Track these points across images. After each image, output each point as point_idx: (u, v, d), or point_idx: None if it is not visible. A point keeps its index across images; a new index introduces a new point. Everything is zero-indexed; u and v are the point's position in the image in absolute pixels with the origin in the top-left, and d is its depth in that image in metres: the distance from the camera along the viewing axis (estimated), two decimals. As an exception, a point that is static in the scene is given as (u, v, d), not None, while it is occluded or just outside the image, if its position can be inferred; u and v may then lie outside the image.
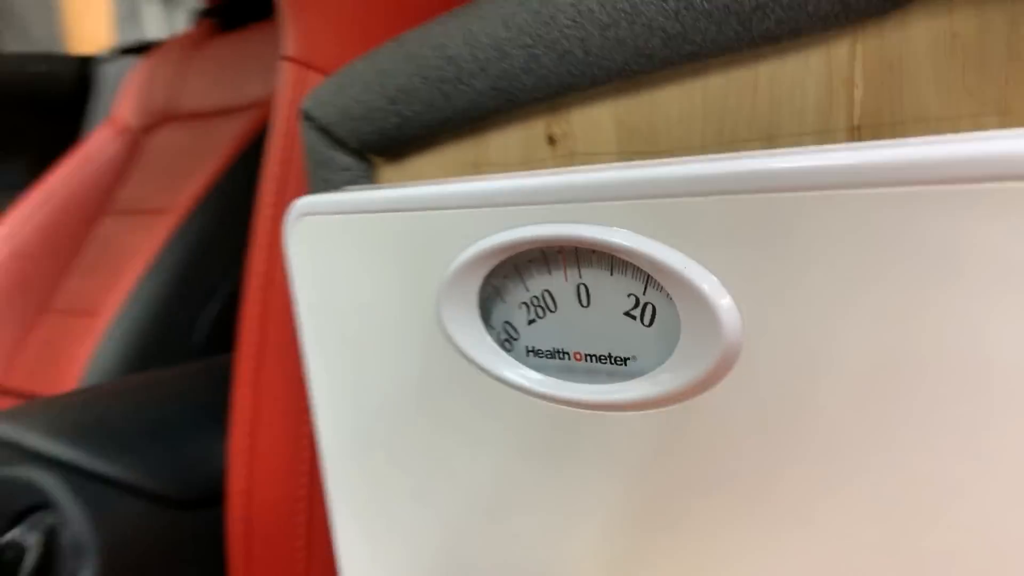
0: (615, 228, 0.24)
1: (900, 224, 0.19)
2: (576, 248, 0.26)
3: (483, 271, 0.28)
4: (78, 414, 0.53)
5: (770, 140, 0.26)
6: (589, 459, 0.27)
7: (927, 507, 0.20)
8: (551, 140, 0.32)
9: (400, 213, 0.30)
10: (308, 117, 0.38)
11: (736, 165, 0.21)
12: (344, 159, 0.38)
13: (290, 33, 0.44)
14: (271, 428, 0.45)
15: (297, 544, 0.45)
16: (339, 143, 0.37)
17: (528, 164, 0.32)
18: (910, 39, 0.23)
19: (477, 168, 0.34)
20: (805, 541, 0.23)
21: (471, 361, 0.29)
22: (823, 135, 0.25)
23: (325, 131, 0.38)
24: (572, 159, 0.31)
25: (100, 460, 0.49)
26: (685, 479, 0.25)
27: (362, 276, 0.31)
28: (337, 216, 0.32)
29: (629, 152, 0.30)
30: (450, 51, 0.32)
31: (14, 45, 2.41)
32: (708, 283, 0.23)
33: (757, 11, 0.25)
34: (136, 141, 1.10)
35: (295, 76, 0.44)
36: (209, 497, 0.51)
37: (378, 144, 0.36)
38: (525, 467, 0.29)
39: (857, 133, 0.25)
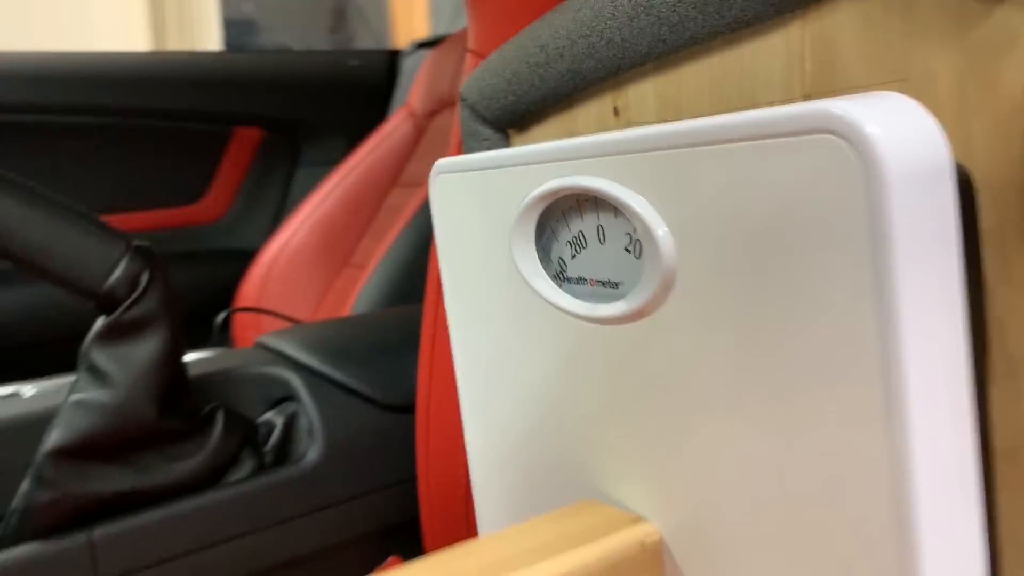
0: (597, 177, 0.31)
1: (746, 170, 0.25)
2: (596, 196, 0.33)
3: (534, 215, 0.36)
4: (323, 334, 0.68)
5: (753, 108, 0.31)
6: (600, 361, 0.34)
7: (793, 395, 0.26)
8: (616, 112, 0.39)
9: (488, 171, 0.38)
10: (462, 98, 0.48)
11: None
12: (485, 131, 0.47)
13: (472, 29, 0.54)
14: (444, 354, 0.56)
15: (461, 442, 0.56)
16: (481, 118, 0.47)
17: (602, 132, 0.40)
18: (839, 22, 0.28)
19: (572, 135, 0.42)
20: (732, 421, 0.29)
21: (529, 285, 0.37)
22: (787, 103, 0.30)
23: (471, 109, 0.47)
24: (630, 126, 0.38)
25: (333, 368, 0.64)
26: (653, 378, 0.31)
27: (469, 222, 0.41)
28: (457, 174, 0.41)
29: (665, 119, 0.36)
30: (541, 40, 0.40)
31: (363, 35, 2.80)
32: (653, 220, 0.29)
33: (725, 1, 0.30)
34: (422, 124, 1.28)
35: (474, 66, 0.54)
36: (409, 405, 0.63)
37: (505, 118, 0.45)
38: (565, 371, 0.36)
39: (808, 100, 0.29)
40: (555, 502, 0.40)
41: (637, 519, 0.34)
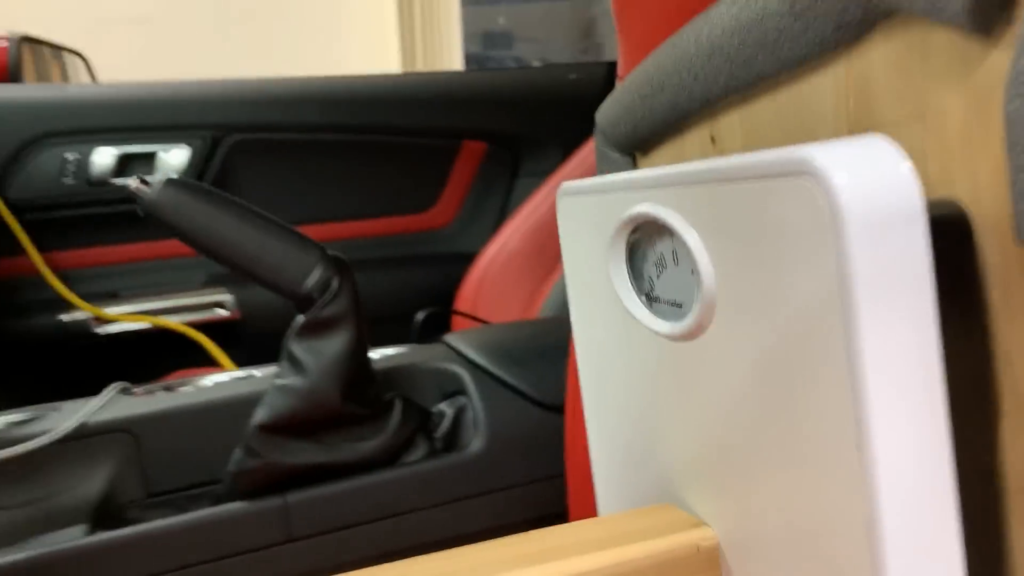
0: (662, 206, 0.34)
1: (753, 208, 0.27)
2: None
3: (623, 237, 0.39)
4: (494, 336, 0.74)
5: (811, 140, 0.33)
6: (671, 375, 0.37)
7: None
8: (712, 140, 0.41)
9: (592, 195, 0.42)
10: (596, 122, 0.52)
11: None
12: (612, 154, 0.50)
13: (620, 57, 0.58)
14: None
15: (602, 446, 0.59)
16: (609, 142, 0.50)
17: (701, 159, 0.42)
18: (873, 62, 0.29)
19: (681, 160, 0.44)
20: (761, 445, 0.31)
21: (621, 303, 0.40)
22: (836, 136, 0.32)
23: (602, 133, 0.51)
24: (725, 155, 0.40)
25: (499, 368, 0.70)
26: (707, 395, 0.34)
27: (582, 240, 0.45)
28: (574, 197, 0.45)
29: (749, 148, 0.38)
30: (649, 73, 0.43)
31: (613, 44, 2.89)
32: (698, 248, 0.32)
33: (779, 41, 0.32)
34: (632, 133, 1.32)
35: (622, 89, 0.58)
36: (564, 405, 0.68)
37: (628, 143, 0.48)
38: (649, 381, 0.39)
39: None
40: (649, 503, 0.42)
41: (698, 524, 0.36)
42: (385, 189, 1.52)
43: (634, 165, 0.50)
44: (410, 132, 1.52)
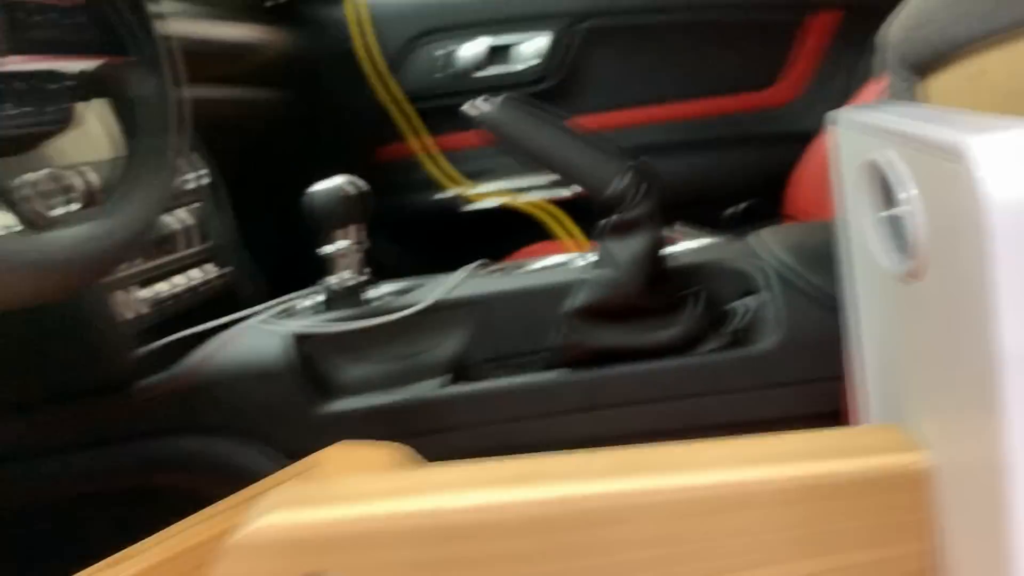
0: (893, 155, 0.37)
1: (939, 174, 0.30)
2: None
3: (867, 177, 0.42)
4: (796, 237, 0.77)
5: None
6: (898, 307, 0.40)
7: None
8: (981, 73, 0.41)
9: (851, 131, 0.44)
10: (883, 41, 0.52)
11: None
12: (897, 72, 0.51)
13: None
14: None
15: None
16: (895, 58, 0.51)
17: (970, 91, 0.42)
18: None
19: (951, 90, 0.44)
20: (967, 384, 0.34)
21: (863, 244, 0.43)
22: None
23: (890, 48, 0.51)
24: (985, 91, 0.40)
25: (797, 269, 0.73)
26: (930, 331, 0.37)
27: (843, 167, 0.47)
28: (839, 127, 0.48)
29: (1010, 86, 0.38)
30: (916, 6, 0.43)
31: None
32: (918, 204, 0.34)
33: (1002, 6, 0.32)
34: None
35: None
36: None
37: (910, 66, 0.49)
38: (884, 308, 0.42)
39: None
40: (892, 418, 0.46)
41: (915, 447, 0.39)
42: (727, 66, 1.51)
43: (916, 88, 0.50)
44: (758, 6, 1.49)
